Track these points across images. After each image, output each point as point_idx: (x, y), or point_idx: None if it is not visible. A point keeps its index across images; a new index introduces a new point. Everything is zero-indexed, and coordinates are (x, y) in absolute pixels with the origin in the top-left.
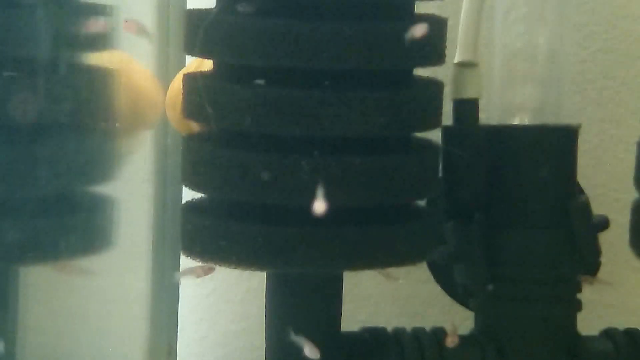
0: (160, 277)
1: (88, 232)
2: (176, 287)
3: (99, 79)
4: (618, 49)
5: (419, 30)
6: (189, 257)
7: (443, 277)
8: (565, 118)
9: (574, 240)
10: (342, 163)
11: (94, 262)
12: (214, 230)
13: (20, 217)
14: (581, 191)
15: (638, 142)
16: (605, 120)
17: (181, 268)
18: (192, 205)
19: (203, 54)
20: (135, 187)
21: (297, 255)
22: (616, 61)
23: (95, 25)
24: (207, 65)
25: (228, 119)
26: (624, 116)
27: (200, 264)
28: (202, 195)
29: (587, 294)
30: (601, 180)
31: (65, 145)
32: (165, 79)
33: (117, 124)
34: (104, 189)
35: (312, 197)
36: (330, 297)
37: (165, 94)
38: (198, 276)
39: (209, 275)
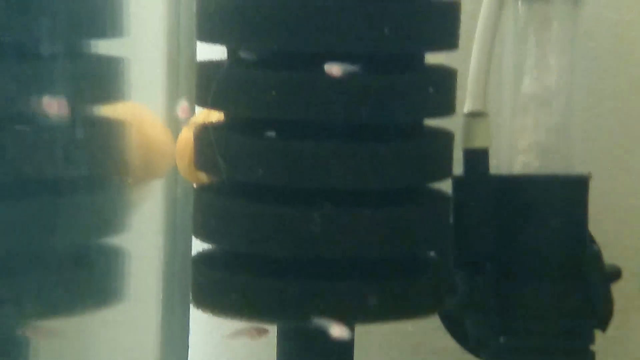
0: (169, 329)
1: (100, 285)
2: (185, 338)
3: (112, 131)
4: (626, 95)
5: (334, 70)
6: (200, 310)
7: (454, 326)
8: (575, 165)
9: (586, 291)
10: (353, 215)
11: (104, 314)
12: (225, 283)
13: (33, 271)
14: (592, 240)
15: None
16: (616, 166)
17: (191, 320)
18: (203, 256)
19: (215, 106)
20: (146, 238)
21: (308, 309)
22: (626, 108)
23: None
24: (215, 115)
25: (240, 171)
26: (635, 163)
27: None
28: (213, 246)
29: (600, 344)
30: (612, 227)
31: (78, 199)
32: (175, 129)
33: (129, 176)
34: (115, 241)
35: (323, 249)
36: (342, 351)
37: (176, 144)
38: (251, 337)
39: (217, 328)
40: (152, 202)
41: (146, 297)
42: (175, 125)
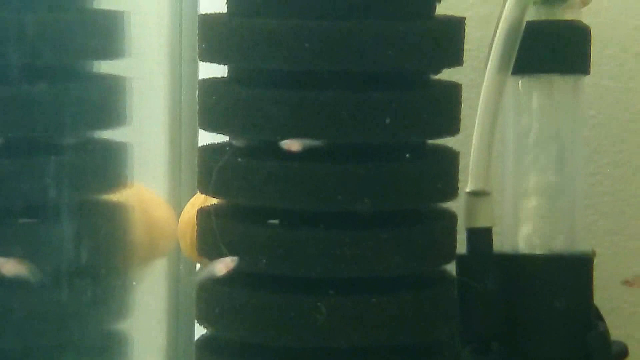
0: None
1: None
2: None
3: (117, 218)
4: (627, 163)
5: (293, 145)
6: None
7: None
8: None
9: None
10: (358, 303)
11: None
12: None
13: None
14: (600, 317)
15: None
16: (617, 232)
17: None
18: (206, 342)
19: (216, 195)
20: (149, 320)
21: None
22: (626, 174)
23: None
24: None
25: (243, 260)
26: (636, 228)
27: None
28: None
29: None
30: (616, 293)
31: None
32: (177, 207)
33: (133, 259)
34: (119, 326)
35: (329, 339)
36: None
37: (178, 223)
38: None
39: None
40: (155, 281)
41: None
42: (177, 204)
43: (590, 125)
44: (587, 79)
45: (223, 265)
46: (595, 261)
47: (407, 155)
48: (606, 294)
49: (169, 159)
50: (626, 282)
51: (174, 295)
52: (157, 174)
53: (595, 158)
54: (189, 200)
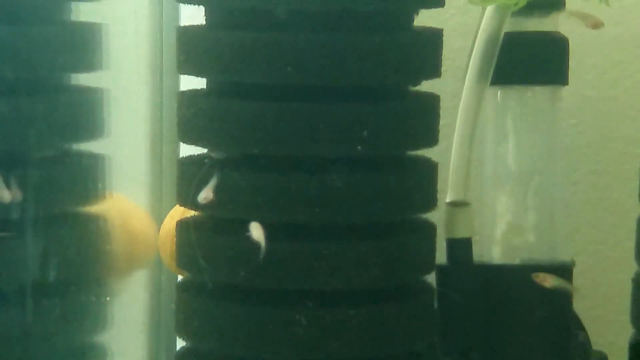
0: None
1: None
2: None
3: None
4: (609, 171)
5: (204, 195)
6: None
7: None
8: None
9: None
10: (338, 315)
11: None
12: None
13: None
14: (580, 327)
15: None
16: (599, 241)
17: None
18: (185, 354)
19: (194, 207)
20: (130, 335)
21: None
22: (607, 183)
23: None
24: None
25: (221, 272)
26: (618, 237)
27: None
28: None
29: None
30: (598, 303)
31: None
32: (158, 219)
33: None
34: (98, 338)
35: (309, 351)
36: None
37: (159, 234)
38: None
39: None
40: (135, 292)
41: None
42: (157, 215)
43: (572, 133)
44: (568, 88)
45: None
46: (575, 270)
47: (385, 166)
48: (588, 303)
49: (150, 171)
50: (536, 277)
51: (156, 306)
52: (138, 186)
53: (576, 167)
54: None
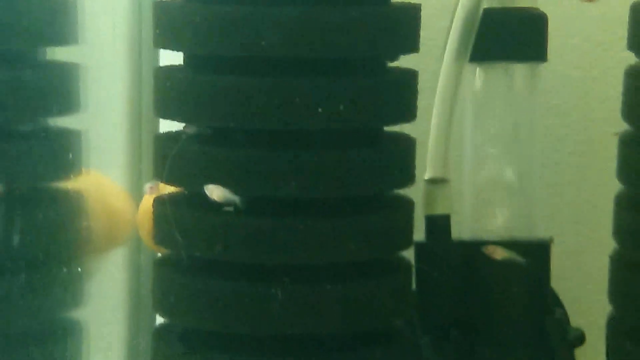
0: None
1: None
2: None
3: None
4: (591, 152)
5: (215, 192)
6: None
7: None
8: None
9: (550, 356)
10: (313, 290)
11: None
12: (184, 359)
13: None
14: (558, 304)
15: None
16: (581, 222)
17: None
18: (162, 330)
19: (170, 181)
20: (108, 310)
21: None
22: (589, 164)
23: None
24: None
25: (197, 247)
26: (599, 217)
27: None
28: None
29: None
30: (578, 282)
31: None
32: (138, 196)
33: (89, 246)
34: (75, 314)
35: (284, 326)
36: None
37: (137, 212)
38: None
39: None
40: (115, 270)
41: None
42: (137, 193)
43: (554, 114)
44: (550, 69)
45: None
46: (556, 250)
47: (362, 141)
48: (570, 283)
49: (129, 148)
50: (486, 250)
51: (135, 284)
52: (116, 163)
53: (558, 147)
54: None
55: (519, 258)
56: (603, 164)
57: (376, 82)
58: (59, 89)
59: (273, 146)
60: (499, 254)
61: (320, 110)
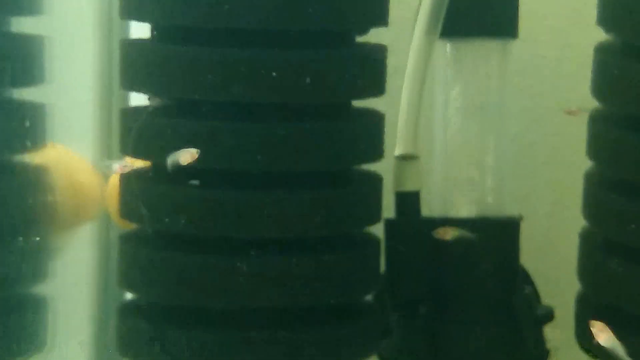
0: None
1: (19, 334)
2: None
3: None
4: (566, 132)
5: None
6: (125, 359)
7: None
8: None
9: (518, 333)
10: (279, 263)
11: None
12: (149, 333)
13: None
14: (527, 280)
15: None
16: (556, 202)
17: None
18: (127, 306)
19: (135, 154)
20: (76, 284)
21: (234, 359)
22: (564, 144)
23: None
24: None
25: (162, 220)
26: (573, 197)
27: None
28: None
29: None
30: (552, 263)
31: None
32: (106, 173)
33: (55, 220)
34: (39, 289)
35: (250, 299)
36: None
37: (106, 188)
38: None
39: None
40: (84, 246)
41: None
42: (106, 169)
43: (529, 95)
44: (524, 50)
45: (189, 155)
46: (531, 230)
47: (329, 115)
48: (544, 263)
49: (99, 123)
50: (437, 233)
51: (104, 261)
52: (85, 138)
53: (533, 128)
54: None
55: (469, 234)
56: (578, 144)
57: (344, 56)
58: (21, 60)
59: (239, 119)
60: (449, 234)
61: (286, 83)
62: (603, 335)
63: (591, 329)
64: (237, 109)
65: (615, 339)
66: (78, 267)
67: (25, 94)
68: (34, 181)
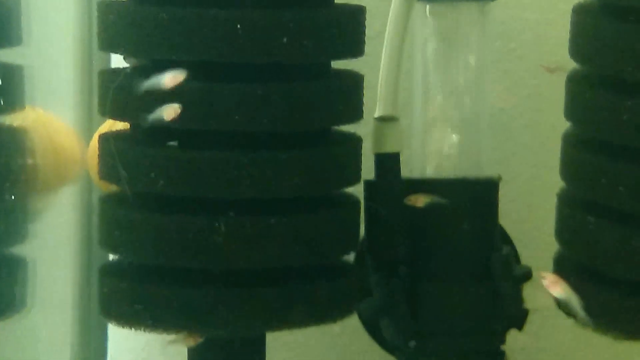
0: (85, 337)
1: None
2: (103, 345)
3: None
4: (547, 95)
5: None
6: (107, 319)
7: (373, 328)
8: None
9: (496, 292)
10: (258, 224)
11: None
12: (129, 294)
13: None
14: (507, 240)
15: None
16: (538, 165)
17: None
18: (108, 267)
19: (113, 115)
20: (58, 246)
21: (214, 318)
22: (546, 106)
23: None
24: (120, 124)
25: (141, 181)
26: (555, 159)
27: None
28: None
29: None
30: (533, 225)
31: None
32: (88, 134)
33: (34, 183)
34: (18, 250)
35: (229, 259)
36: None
37: (87, 151)
38: (187, 344)
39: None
40: (66, 209)
41: (57, 305)
42: (87, 132)
43: (511, 58)
44: (506, 12)
45: (172, 111)
46: (512, 193)
47: (308, 75)
48: (525, 225)
49: (79, 85)
50: (409, 200)
51: (86, 223)
52: (66, 101)
53: (515, 91)
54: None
55: (441, 200)
56: (560, 106)
57: (321, 16)
58: None
59: (216, 79)
60: (421, 201)
61: (264, 42)
62: (556, 287)
63: (542, 281)
64: (215, 69)
65: (570, 290)
66: (60, 229)
67: (2, 55)
68: (10, 143)
